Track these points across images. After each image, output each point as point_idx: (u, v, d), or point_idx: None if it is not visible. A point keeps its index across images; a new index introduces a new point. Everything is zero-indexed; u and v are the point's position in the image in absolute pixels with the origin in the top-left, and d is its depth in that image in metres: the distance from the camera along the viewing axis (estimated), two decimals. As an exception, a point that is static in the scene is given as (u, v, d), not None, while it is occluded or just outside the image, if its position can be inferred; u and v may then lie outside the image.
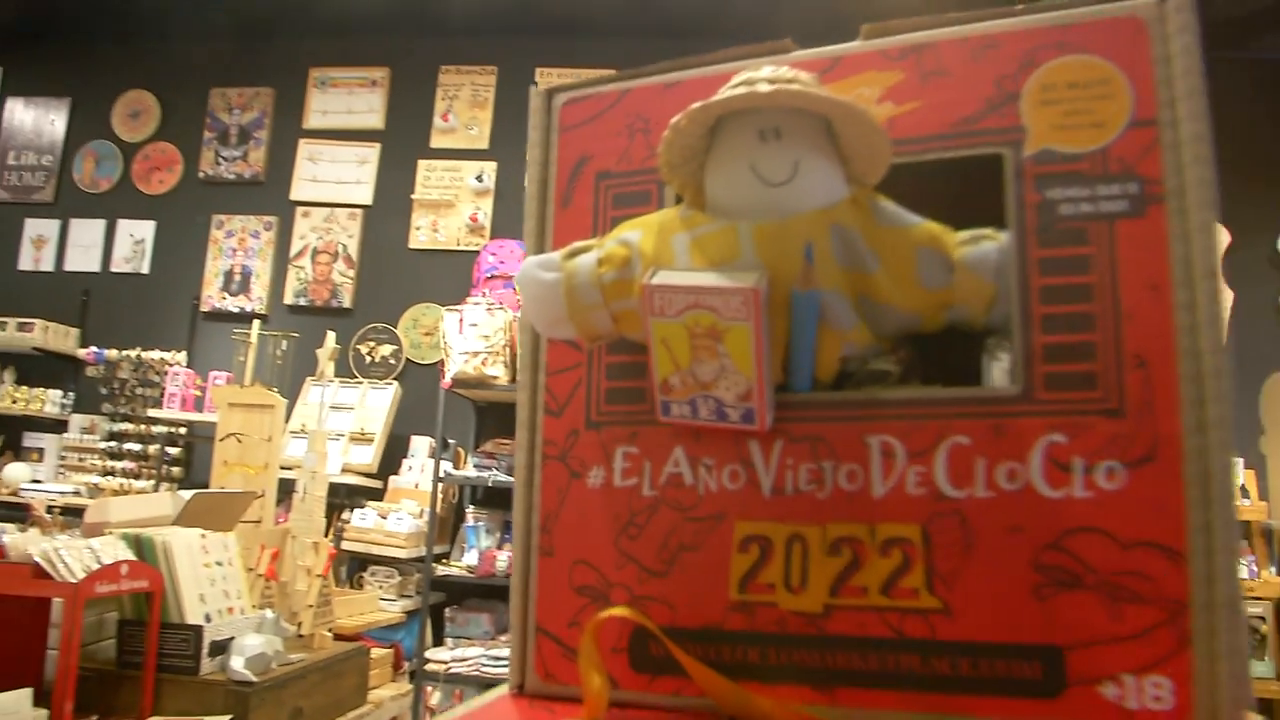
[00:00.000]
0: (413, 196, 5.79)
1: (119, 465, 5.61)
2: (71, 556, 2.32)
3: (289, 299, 5.82)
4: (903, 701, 0.44)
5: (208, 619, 2.48)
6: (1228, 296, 5.03)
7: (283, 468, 3.90)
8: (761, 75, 0.44)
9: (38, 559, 2.28)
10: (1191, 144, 0.44)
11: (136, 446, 5.66)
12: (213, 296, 5.90)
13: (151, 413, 5.59)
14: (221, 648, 2.44)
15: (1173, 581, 0.42)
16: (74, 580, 2.25)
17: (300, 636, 2.78)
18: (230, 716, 2.30)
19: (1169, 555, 0.42)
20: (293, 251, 5.86)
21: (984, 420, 0.45)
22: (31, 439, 5.97)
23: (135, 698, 2.35)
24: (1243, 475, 4.64)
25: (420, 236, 5.70)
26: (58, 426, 6.04)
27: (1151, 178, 0.44)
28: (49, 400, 5.97)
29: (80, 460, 5.77)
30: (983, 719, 0.43)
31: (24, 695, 2.16)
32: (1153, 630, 0.41)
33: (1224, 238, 4.99)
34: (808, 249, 0.43)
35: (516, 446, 0.54)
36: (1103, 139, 0.45)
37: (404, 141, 5.88)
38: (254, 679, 2.35)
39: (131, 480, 5.47)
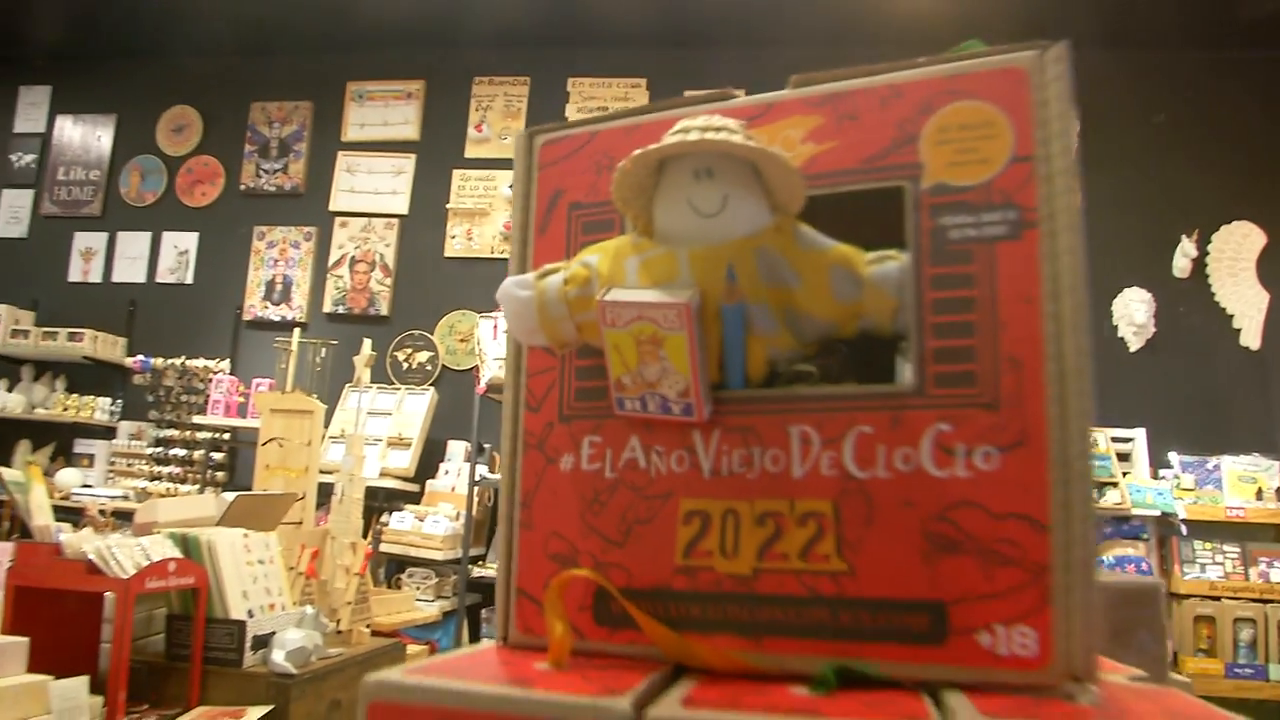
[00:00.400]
0: (448, 206, 5.93)
1: (165, 470, 5.78)
2: (123, 554, 2.46)
3: (328, 307, 5.97)
4: (815, 648, 0.53)
5: (250, 614, 2.58)
6: (1262, 298, 4.99)
7: (322, 471, 4.04)
8: (695, 124, 0.53)
9: (92, 556, 2.41)
10: (1062, 176, 0.53)
11: (182, 452, 5.82)
12: (255, 305, 6.07)
13: (196, 419, 5.75)
14: (264, 641, 2.54)
15: (1037, 548, 0.50)
16: (125, 576, 2.38)
17: (339, 632, 2.90)
18: (272, 706, 2.41)
19: (1034, 526, 0.50)
20: (331, 261, 6.01)
21: (884, 412, 0.54)
22: (82, 445, 6.16)
23: (183, 688, 2.47)
24: (1278, 478, 4.63)
25: (455, 245, 5.84)
26: (107, 433, 6.22)
27: (1027, 206, 0.53)
28: (98, 408, 6.16)
29: (129, 465, 5.96)
30: (880, 663, 0.51)
31: (81, 683, 2.29)
32: (1020, 589, 0.50)
33: (1259, 240, 4.96)
34: (729, 270, 0.52)
35: (502, 437, 0.64)
36: (988, 173, 0.54)
37: (439, 152, 6.01)
38: (294, 671, 2.46)
39: (178, 484, 5.65)
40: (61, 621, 2.53)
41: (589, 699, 0.46)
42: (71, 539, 2.52)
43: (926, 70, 0.56)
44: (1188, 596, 4.50)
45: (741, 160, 0.54)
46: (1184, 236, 5.04)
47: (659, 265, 0.55)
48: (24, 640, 2.21)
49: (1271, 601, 4.44)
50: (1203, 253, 5.10)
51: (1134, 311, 5.00)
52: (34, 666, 2.18)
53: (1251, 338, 5.00)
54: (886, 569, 0.52)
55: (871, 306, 0.55)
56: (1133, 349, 5.06)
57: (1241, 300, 5.04)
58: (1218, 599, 4.47)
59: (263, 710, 2.31)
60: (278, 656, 2.40)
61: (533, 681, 0.49)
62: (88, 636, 2.63)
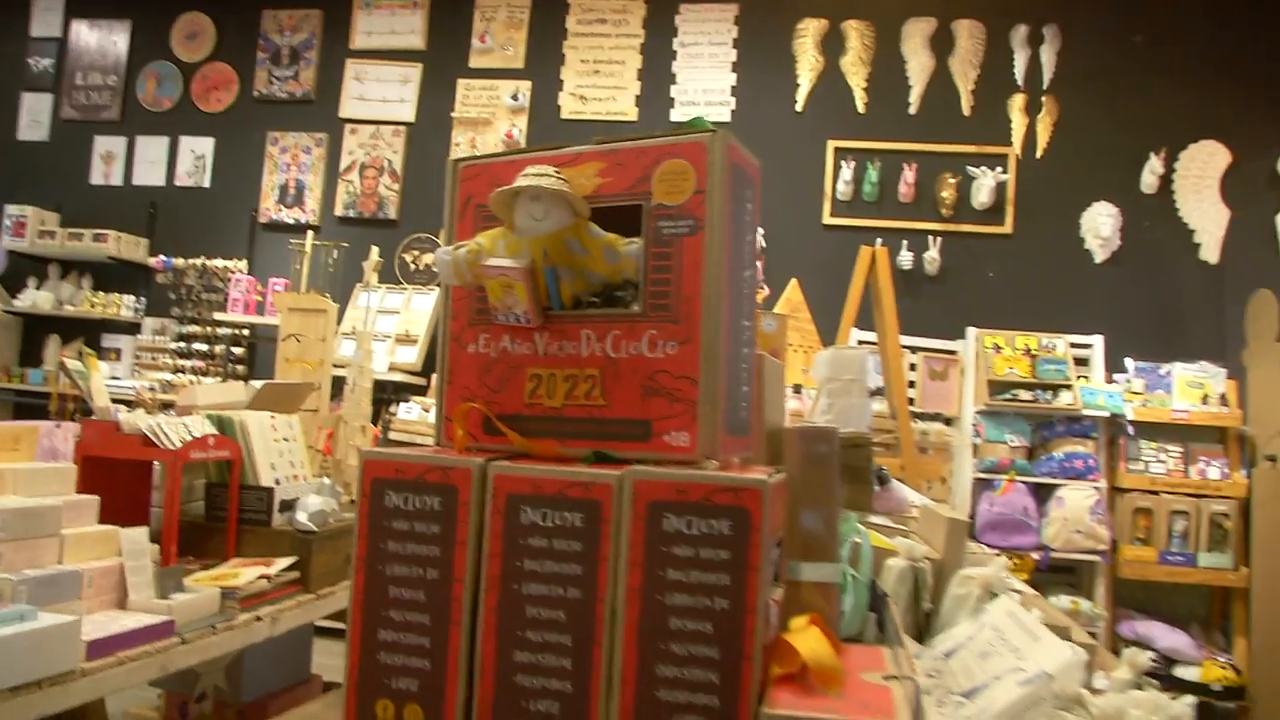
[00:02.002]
0: (453, 114, 6.41)
1: (188, 364, 6.41)
2: (170, 430, 3.07)
3: (339, 211, 6.51)
4: (590, 444, 1.09)
5: (277, 483, 3.19)
6: (1223, 215, 5.41)
7: (335, 365, 4.63)
8: (532, 171, 1.07)
9: (145, 431, 3.02)
10: (717, 203, 1.06)
11: (204, 347, 6.44)
12: (270, 209, 6.61)
13: (217, 316, 6.34)
14: (289, 505, 3.16)
15: (692, 392, 1.05)
16: (174, 447, 2.99)
17: (351, 501, 3.55)
18: (296, 558, 3.03)
19: (691, 381, 1.05)
20: (342, 166, 6.53)
21: (626, 323, 1.08)
22: (110, 340, 6.77)
23: (221, 543, 3.10)
24: (1224, 384, 5.16)
25: (460, 152, 6.34)
26: (132, 328, 6.83)
27: (699, 218, 1.06)
28: (124, 305, 6.76)
29: (153, 359, 6.59)
30: (620, 451, 1.07)
31: (143, 531, 2.90)
32: (683, 413, 1.05)
33: (1224, 159, 5.38)
34: (544, 250, 1.06)
35: (440, 335, 1.19)
36: (682, 199, 1.07)
37: (444, 61, 6.46)
38: (315, 529, 3.08)
39: (200, 377, 6.28)
40: (119, 489, 3.15)
41: (465, 459, 1.02)
42: (128, 417, 3.13)
43: (659, 140, 1.09)
44: (1129, 490, 5.09)
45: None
46: (1152, 154, 5.47)
47: (513, 245, 1.09)
48: (95, 498, 2.81)
49: (1205, 496, 5.01)
50: (1170, 170, 5.54)
51: (1100, 225, 5.47)
52: (101, 522, 2.79)
53: (1211, 252, 5.47)
54: (625, 404, 1.07)
55: (626, 268, 1.09)
56: (1098, 260, 5.54)
57: (1203, 217, 5.50)
58: (1157, 493, 5.05)
59: (288, 561, 2.92)
60: (301, 517, 3.00)
61: (441, 454, 1.06)
62: (140, 500, 3.27)
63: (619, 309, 1.10)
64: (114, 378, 6.49)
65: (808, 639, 1.02)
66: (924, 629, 1.82)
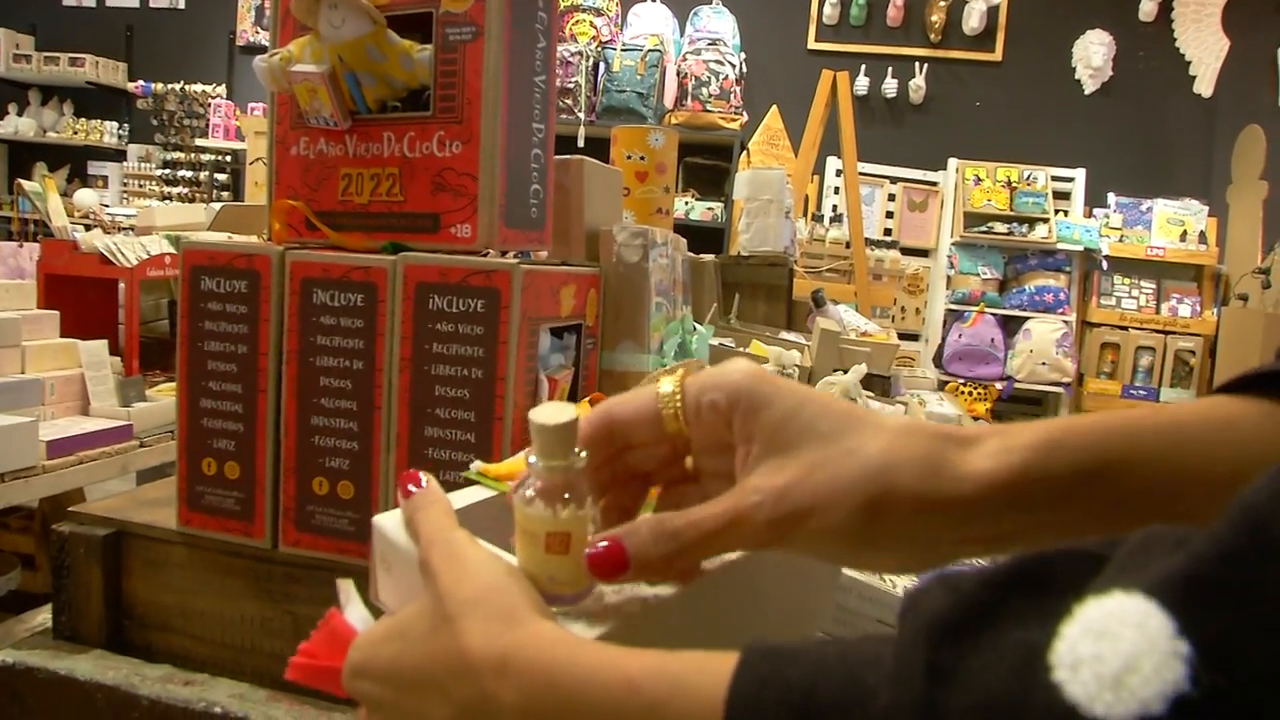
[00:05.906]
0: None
1: (175, 190, 6.54)
2: (128, 249, 3.23)
3: (316, 35, 6.43)
4: (391, 236, 1.23)
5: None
6: (1222, 45, 5.31)
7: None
8: None
9: (102, 249, 3.19)
10: (497, 9, 1.16)
11: (189, 173, 6.54)
12: (246, 30, 6.58)
13: (199, 142, 6.42)
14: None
15: (473, 188, 1.18)
16: (130, 265, 3.16)
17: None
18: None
19: (472, 178, 1.18)
20: (318, -13, 6.40)
21: (420, 125, 1.21)
22: (95, 167, 6.88)
23: (183, 358, 3.29)
24: (1205, 222, 5.20)
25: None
26: (117, 155, 6.91)
27: (480, 25, 1.17)
28: (107, 131, 6.83)
29: (140, 186, 6.72)
30: (414, 242, 1.22)
31: (102, 344, 3.11)
32: (466, 207, 1.19)
33: (1227, -16, 5.24)
34: (339, 55, 1.18)
35: (268, 139, 1.32)
36: (465, 6, 1.18)
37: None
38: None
39: (187, 203, 6.39)
40: (82, 306, 3.35)
41: (266, 246, 1.17)
42: (85, 236, 3.30)
43: (448, -49, 1.19)
44: (1099, 325, 5.21)
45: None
46: (1153, -22, 5.34)
47: (317, 52, 1.20)
48: (54, 312, 3.01)
49: (1173, 333, 5.13)
50: (1170, -5, 5.42)
51: (1092, 54, 5.39)
52: (68, 337, 2.99)
53: (1205, 85, 5.40)
54: (418, 199, 1.21)
55: (421, 74, 1.21)
56: (1087, 91, 5.49)
57: (1201, 47, 5.40)
58: (1126, 329, 5.17)
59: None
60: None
61: (248, 244, 1.21)
62: (107, 318, 3.47)
63: (416, 112, 1.23)
64: (104, 204, 6.62)
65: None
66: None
